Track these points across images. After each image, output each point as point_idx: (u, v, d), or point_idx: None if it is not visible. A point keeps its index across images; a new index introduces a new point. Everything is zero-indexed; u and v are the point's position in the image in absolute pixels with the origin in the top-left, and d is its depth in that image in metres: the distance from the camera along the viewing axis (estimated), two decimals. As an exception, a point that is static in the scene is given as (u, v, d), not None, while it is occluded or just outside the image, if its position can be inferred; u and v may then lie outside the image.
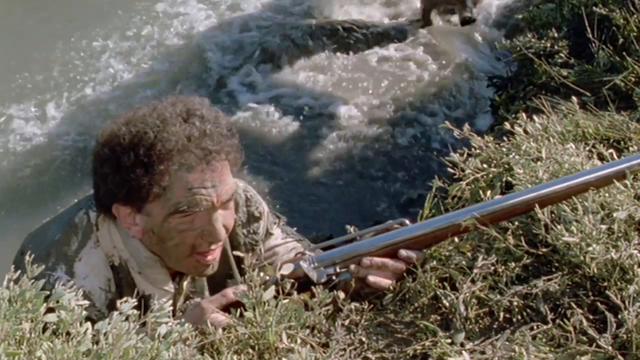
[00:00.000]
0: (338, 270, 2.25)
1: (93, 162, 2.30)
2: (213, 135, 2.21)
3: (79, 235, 2.31)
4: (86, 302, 1.76)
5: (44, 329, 1.69)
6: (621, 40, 3.62)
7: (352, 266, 2.26)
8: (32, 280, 1.71)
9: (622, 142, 2.75)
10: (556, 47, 3.91)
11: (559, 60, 3.79)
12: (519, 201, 2.18)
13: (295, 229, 2.82)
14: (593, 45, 3.64)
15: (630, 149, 2.62)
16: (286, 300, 2.00)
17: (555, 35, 3.99)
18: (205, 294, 2.54)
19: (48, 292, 1.71)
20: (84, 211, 2.35)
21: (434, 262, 2.23)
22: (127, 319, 1.77)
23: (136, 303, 1.81)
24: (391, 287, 2.24)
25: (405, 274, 2.24)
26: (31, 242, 2.39)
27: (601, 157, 2.48)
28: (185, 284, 2.46)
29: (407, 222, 2.35)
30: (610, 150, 2.55)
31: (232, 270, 2.56)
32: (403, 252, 2.23)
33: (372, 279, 2.23)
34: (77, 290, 2.10)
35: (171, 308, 1.89)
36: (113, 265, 2.34)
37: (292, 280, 2.06)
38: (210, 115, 2.25)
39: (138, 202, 2.22)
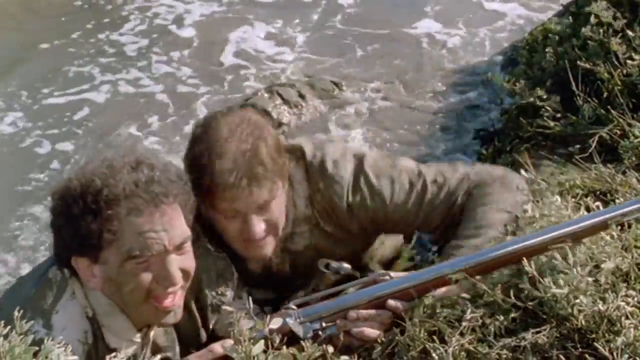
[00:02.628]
0: (324, 324, 2.25)
1: (50, 217, 2.33)
2: (161, 180, 2.24)
3: (54, 289, 2.32)
4: (75, 358, 1.76)
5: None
6: (605, 93, 3.66)
7: (339, 321, 2.26)
8: (21, 336, 1.71)
9: (608, 195, 2.77)
10: (541, 103, 3.94)
11: (545, 114, 3.82)
12: (505, 252, 2.19)
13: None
14: (578, 98, 3.67)
15: (617, 201, 2.64)
16: (276, 354, 2.00)
17: (540, 91, 4.02)
18: (176, 348, 2.55)
19: (37, 348, 1.71)
20: (56, 267, 2.36)
21: (423, 315, 2.23)
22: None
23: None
24: (379, 339, 2.24)
25: (394, 327, 2.24)
26: (7, 298, 2.41)
27: (588, 210, 2.49)
28: (151, 334, 2.46)
29: (391, 274, 2.36)
30: (597, 203, 2.56)
31: (199, 329, 2.57)
32: (391, 302, 2.24)
33: (356, 330, 2.23)
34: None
35: None
36: (88, 316, 2.34)
37: (280, 335, 2.06)
38: (159, 164, 2.29)
39: (92, 251, 2.24)
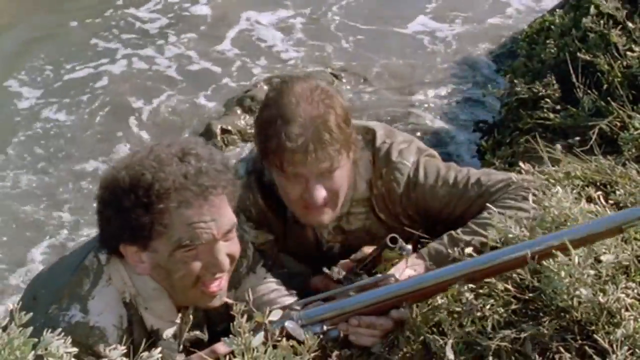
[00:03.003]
0: (325, 328, 2.26)
1: (97, 206, 2.37)
2: (209, 172, 2.27)
3: (91, 276, 2.37)
4: (74, 350, 1.76)
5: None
6: (606, 85, 3.66)
7: (341, 324, 2.26)
8: (20, 328, 1.71)
9: (608, 186, 2.77)
10: (542, 93, 3.94)
11: (545, 106, 3.82)
12: (509, 258, 2.17)
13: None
14: (578, 90, 3.67)
15: (617, 192, 2.63)
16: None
17: (540, 83, 4.02)
18: (204, 326, 2.62)
19: (36, 340, 1.71)
20: (93, 254, 2.41)
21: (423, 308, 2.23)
22: (117, 366, 1.76)
23: (125, 351, 1.81)
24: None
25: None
26: (43, 287, 2.44)
27: (589, 200, 2.49)
28: (190, 314, 2.52)
29: (396, 275, 2.36)
30: (599, 192, 2.56)
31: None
32: (395, 313, 2.24)
33: (353, 337, 2.25)
34: (92, 327, 2.28)
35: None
36: (125, 302, 2.39)
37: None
38: (205, 154, 2.32)
39: (143, 240, 2.28)
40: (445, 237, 2.61)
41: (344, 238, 2.95)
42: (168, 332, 2.47)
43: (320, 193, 2.68)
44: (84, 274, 2.37)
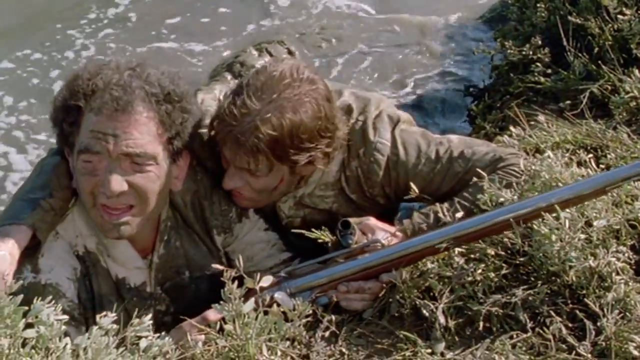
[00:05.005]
0: (314, 295, 2.26)
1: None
2: (135, 89, 2.21)
3: None
4: (65, 317, 1.76)
5: (23, 345, 1.68)
6: (596, 49, 3.65)
7: (330, 292, 2.26)
8: (10, 297, 1.70)
9: (599, 150, 2.77)
10: (532, 57, 3.92)
11: (536, 70, 3.80)
12: (495, 221, 2.17)
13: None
14: (569, 53, 3.66)
15: (608, 156, 2.63)
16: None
17: (530, 45, 4.00)
18: (185, 274, 2.57)
19: (26, 308, 1.71)
20: None
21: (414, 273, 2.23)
22: (106, 333, 1.76)
23: (115, 317, 1.81)
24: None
25: (384, 285, 2.25)
26: None
27: (580, 164, 2.49)
28: (155, 259, 2.48)
29: (382, 241, 2.35)
30: (590, 156, 2.55)
31: (207, 254, 2.60)
32: (384, 277, 2.24)
33: (344, 303, 2.24)
34: (45, 285, 2.27)
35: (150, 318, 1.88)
36: (78, 254, 2.38)
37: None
38: (152, 76, 2.26)
39: (67, 141, 2.29)
40: (431, 215, 2.55)
41: (306, 213, 2.84)
42: (136, 280, 2.46)
43: (234, 182, 2.57)
44: None
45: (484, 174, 2.46)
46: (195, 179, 2.55)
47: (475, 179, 2.53)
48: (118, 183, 2.21)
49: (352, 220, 2.42)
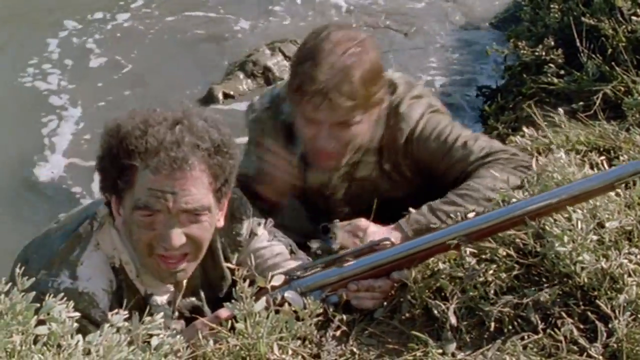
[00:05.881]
0: (325, 295, 2.26)
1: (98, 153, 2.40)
2: (188, 145, 2.25)
3: (81, 242, 2.39)
4: (77, 314, 1.77)
5: (35, 341, 1.69)
6: (610, 50, 3.64)
7: (340, 290, 2.27)
8: (23, 293, 1.71)
9: (612, 151, 2.76)
10: (545, 58, 3.92)
11: (549, 71, 3.80)
12: (508, 217, 2.17)
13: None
14: (582, 55, 3.65)
15: (621, 157, 2.63)
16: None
17: (543, 46, 4.00)
18: (201, 294, 2.60)
19: (38, 305, 1.71)
20: (88, 221, 2.43)
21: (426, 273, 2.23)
22: (118, 330, 1.77)
23: (127, 315, 1.82)
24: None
25: (396, 286, 2.24)
26: (35, 252, 2.46)
27: (592, 167, 2.48)
28: (184, 281, 2.50)
29: (392, 239, 2.36)
30: (602, 158, 2.55)
31: (224, 271, 2.61)
32: (395, 275, 2.24)
33: (355, 301, 2.25)
34: (81, 293, 2.29)
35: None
36: (114, 266, 2.41)
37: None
38: (200, 128, 2.29)
39: (118, 192, 2.31)
40: (424, 208, 2.67)
41: (349, 186, 3.00)
42: (162, 299, 2.49)
43: (329, 143, 2.75)
44: (77, 241, 2.39)
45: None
46: None
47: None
48: (178, 237, 2.27)
49: (339, 223, 2.57)
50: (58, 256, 2.36)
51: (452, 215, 2.48)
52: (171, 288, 2.49)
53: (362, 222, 2.66)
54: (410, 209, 2.68)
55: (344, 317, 2.17)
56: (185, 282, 2.51)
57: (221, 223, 2.45)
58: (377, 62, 2.77)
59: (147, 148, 2.23)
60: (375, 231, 2.62)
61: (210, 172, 2.28)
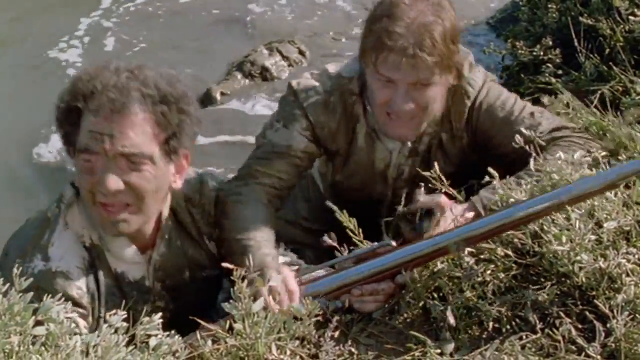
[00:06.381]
0: (327, 302, 2.25)
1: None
2: (131, 90, 2.25)
3: (50, 225, 2.41)
4: (75, 315, 1.77)
5: (33, 342, 1.69)
6: (607, 50, 3.64)
7: (343, 297, 2.26)
8: (20, 294, 1.71)
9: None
10: (543, 57, 3.92)
11: (547, 71, 3.80)
12: (506, 221, 2.16)
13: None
14: (580, 54, 3.65)
15: (619, 157, 2.62)
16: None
17: (540, 46, 4.00)
18: (185, 273, 2.60)
19: (37, 305, 1.71)
20: (55, 205, 2.45)
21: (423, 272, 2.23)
22: (116, 331, 1.76)
23: (125, 315, 1.82)
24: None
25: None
26: (13, 242, 2.48)
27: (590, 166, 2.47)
28: (154, 255, 2.51)
29: (393, 243, 2.34)
30: (603, 153, 2.54)
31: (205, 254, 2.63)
32: (399, 279, 2.24)
33: (357, 305, 2.25)
34: (55, 272, 2.32)
35: (160, 321, 1.89)
36: (85, 245, 2.42)
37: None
38: (149, 77, 2.30)
39: (70, 141, 2.34)
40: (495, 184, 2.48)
41: (414, 162, 2.90)
42: (135, 274, 2.49)
43: (407, 104, 2.64)
44: (46, 225, 2.41)
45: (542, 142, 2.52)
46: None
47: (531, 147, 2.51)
48: (114, 182, 2.25)
49: (422, 198, 2.41)
50: (30, 243, 2.39)
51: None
52: (142, 262, 2.49)
53: (443, 198, 2.44)
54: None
55: (343, 317, 2.18)
56: (157, 258, 2.50)
57: (178, 184, 2.44)
58: (455, 21, 2.66)
59: (91, 91, 2.24)
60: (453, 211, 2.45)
61: (155, 121, 2.28)
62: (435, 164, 2.49)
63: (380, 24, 2.58)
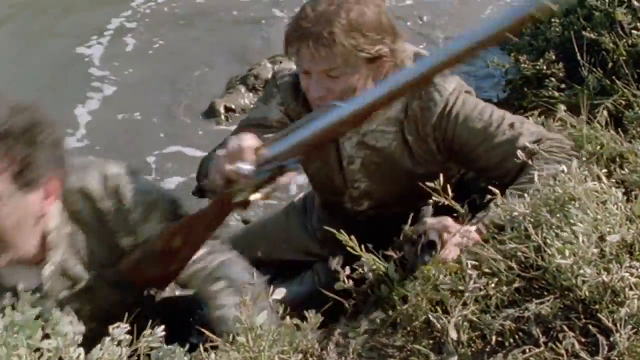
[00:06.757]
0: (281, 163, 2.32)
1: None
2: None
3: None
4: (82, 329, 1.76)
5: (40, 356, 1.69)
6: (610, 64, 3.65)
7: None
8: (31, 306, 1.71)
9: (617, 159, 2.75)
10: (546, 71, 3.93)
11: (550, 85, 3.81)
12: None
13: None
14: (583, 68, 3.66)
15: (620, 171, 2.62)
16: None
17: (544, 60, 4.01)
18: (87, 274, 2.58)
19: (44, 321, 1.72)
20: None
21: (426, 285, 2.23)
22: (119, 344, 1.77)
23: (128, 328, 1.82)
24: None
25: (397, 298, 2.24)
26: None
27: (598, 177, 2.47)
28: (48, 268, 2.49)
29: (338, 103, 2.39)
30: (604, 170, 2.54)
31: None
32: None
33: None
34: None
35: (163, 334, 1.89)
36: None
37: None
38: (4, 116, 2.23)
39: None
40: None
41: (366, 155, 2.96)
42: (30, 285, 2.44)
43: (318, 92, 2.72)
44: None
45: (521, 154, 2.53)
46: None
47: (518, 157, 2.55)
48: None
49: (429, 220, 2.41)
50: None
51: None
52: (35, 273, 2.46)
53: (450, 222, 2.44)
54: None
55: (346, 329, 2.18)
56: (51, 268, 2.48)
57: (48, 209, 2.40)
58: (369, 13, 2.69)
59: None
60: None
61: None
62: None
63: (294, 18, 2.71)
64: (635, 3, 3.82)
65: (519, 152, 2.54)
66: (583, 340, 1.98)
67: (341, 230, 2.33)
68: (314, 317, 2.06)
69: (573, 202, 2.22)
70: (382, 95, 2.28)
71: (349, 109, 2.30)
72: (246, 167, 2.27)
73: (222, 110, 6.14)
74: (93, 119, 6.39)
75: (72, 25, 7.82)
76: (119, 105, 6.53)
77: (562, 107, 3.08)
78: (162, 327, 1.91)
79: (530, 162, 2.59)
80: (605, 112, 3.07)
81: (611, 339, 1.91)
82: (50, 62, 7.14)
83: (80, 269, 2.55)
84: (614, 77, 3.52)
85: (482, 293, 2.12)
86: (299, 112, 2.92)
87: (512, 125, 2.74)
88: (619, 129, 2.94)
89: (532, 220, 2.21)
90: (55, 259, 2.48)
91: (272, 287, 2.08)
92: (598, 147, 2.72)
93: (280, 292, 2.12)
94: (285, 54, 2.79)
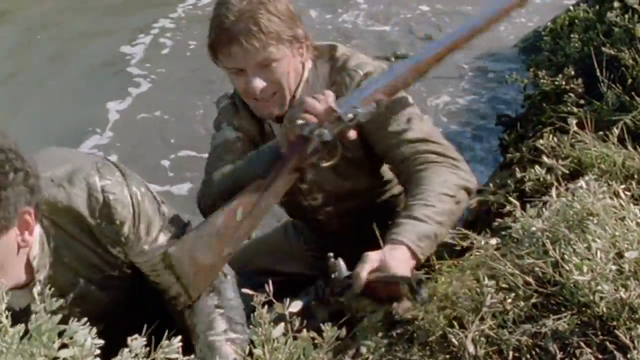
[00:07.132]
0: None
1: None
2: None
3: None
4: (101, 341, 1.75)
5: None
6: (630, 80, 3.64)
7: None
8: (49, 315, 1.72)
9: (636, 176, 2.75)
10: (565, 87, 3.92)
11: (569, 100, 3.80)
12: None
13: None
14: (602, 84, 3.65)
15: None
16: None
17: (563, 75, 4.00)
18: (80, 282, 2.59)
19: (64, 327, 1.72)
20: None
21: (442, 300, 2.23)
22: (136, 356, 1.77)
23: (145, 341, 1.82)
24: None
25: (412, 315, 2.24)
26: None
27: (616, 194, 2.46)
28: (38, 287, 2.43)
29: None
30: (622, 186, 2.53)
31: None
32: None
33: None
34: None
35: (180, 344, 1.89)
36: None
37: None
38: None
39: None
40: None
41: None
42: (21, 304, 2.43)
43: (258, 84, 2.80)
44: None
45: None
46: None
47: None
48: None
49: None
50: None
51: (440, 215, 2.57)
52: (25, 294, 2.42)
53: (371, 256, 2.46)
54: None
55: (361, 343, 2.18)
56: (40, 287, 2.31)
57: (29, 240, 2.33)
58: (280, 3, 2.82)
59: None
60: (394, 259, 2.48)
61: None
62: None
63: (212, 23, 2.80)
64: (655, 19, 3.82)
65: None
66: (600, 357, 1.97)
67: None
68: (330, 330, 2.06)
69: (591, 218, 2.22)
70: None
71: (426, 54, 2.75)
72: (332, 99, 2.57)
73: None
74: (121, 117, 6.45)
75: (119, 24, 7.90)
76: (150, 105, 6.59)
77: (574, 121, 3.07)
78: (179, 337, 1.92)
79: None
80: (623, 128, 3.06)
81: (628, 356, 1.90)
82: (94, 60, 7.23)
83: (68, 277, 2.55)
84: (633, 93, 3.50)
85: (499, 308, 2.11)
86: (248, 127, 3.06)
87: (409, 120, 2.85)
88: (637, 146, 2.93)
89: (550, 235, 2.21)
90: (44, 275, 2.47)
91: (287, 300, 2.08)
92: (612, 165, 2.72)
93: (296, 305, 2.12)
94: (214, 62, 2.87)
